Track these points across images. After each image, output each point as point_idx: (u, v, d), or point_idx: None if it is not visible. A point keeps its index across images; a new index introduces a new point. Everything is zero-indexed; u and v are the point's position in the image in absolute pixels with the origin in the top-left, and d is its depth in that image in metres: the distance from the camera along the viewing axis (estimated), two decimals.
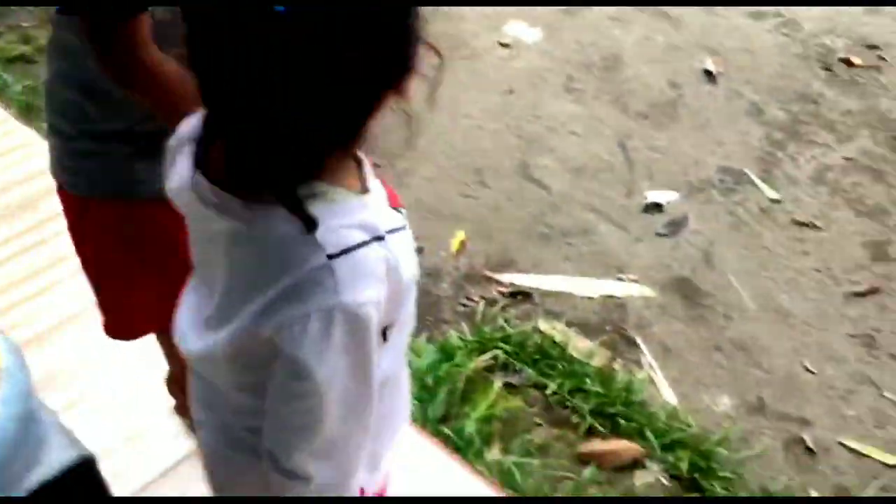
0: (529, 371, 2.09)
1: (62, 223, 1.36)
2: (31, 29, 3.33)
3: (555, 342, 2.15)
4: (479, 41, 3.39)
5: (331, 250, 0.79)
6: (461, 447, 1.84)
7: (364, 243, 0.81)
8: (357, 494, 0.95)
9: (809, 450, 1.99)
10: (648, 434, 1.94)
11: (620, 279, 2.40)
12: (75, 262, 1.40)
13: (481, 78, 3.19)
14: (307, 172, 0.80)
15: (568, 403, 2.02)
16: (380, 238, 0.82)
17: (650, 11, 3.55)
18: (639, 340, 2.21)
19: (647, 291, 2.36)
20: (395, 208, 0.93)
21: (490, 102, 3.06)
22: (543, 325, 2.24)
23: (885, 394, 2.10)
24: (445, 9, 3.58)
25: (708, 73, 3.18)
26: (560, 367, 2.08)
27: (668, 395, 2.09)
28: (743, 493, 1.85)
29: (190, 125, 0.90)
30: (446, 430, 1.87)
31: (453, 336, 2.16)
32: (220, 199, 0.82)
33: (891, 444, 2.00)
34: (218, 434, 1.02)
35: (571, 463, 1.90)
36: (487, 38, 3.42)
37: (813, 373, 2.16)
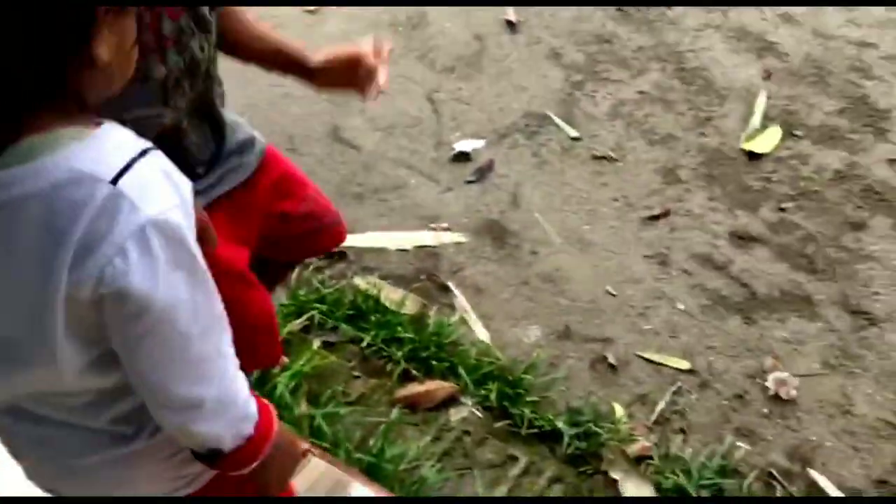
0: (345, 327, 2.14)
1: None
2: None
3: (368, 296, 2.20)
4: (284, 10, 3.36)
5: (109, 176, 0.76)
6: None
7: (133, 160, 0.79)
8: (250, 402, 0.95)
9: (612, 366, 2.12)
10: (461, 371, 2.02)
11: (433, 229, 2.47)
12: None
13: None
14: (17, 121, 0.78)
15: (384, 353, 2.08)
16: (144, 152, 0.80)
17: None
18: (451, 285, 2.29)
19: (459, 237, 2.44)
20: None
21: None
22: (358, 281, 2.28)
23: (678, 306, 2.26)
24: None
25: (510, 23, 3.28)
26: (374, 319, 2.13)
27: (481, 334, 2.18)
28: (550, 414, 1.95)
29: None
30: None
31: None
32: None
33: (685, 352, 2.16)
34: (80, 459, 0.97)
35: (388, 409, 1.96)
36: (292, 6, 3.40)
37: (614, 295, 2.29)
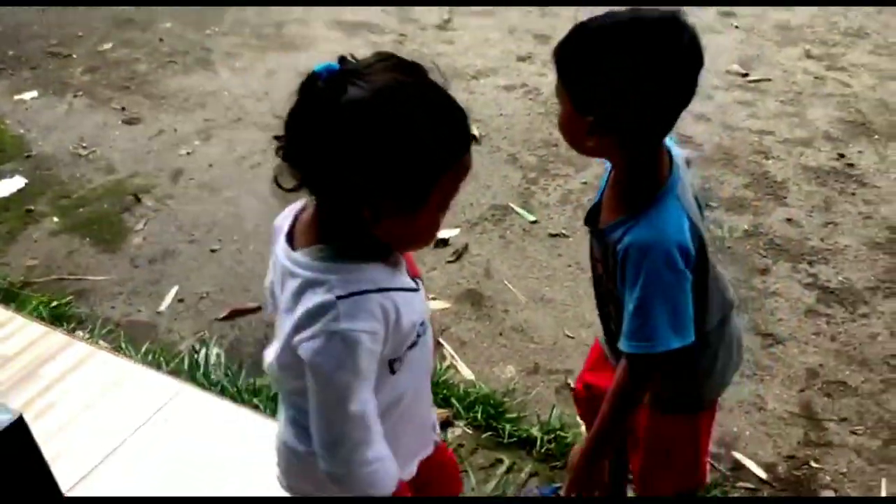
0: None
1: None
2: None
3: None
4: None
5: (339, 293, 1.09)
6: None
7: (367, 291, 1.11)
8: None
9: (572, 388, 2.64)
10: (453, 401, 2.54)
11: None
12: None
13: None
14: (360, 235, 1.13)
15: None
16: (383, 290, 1.13)
17: None
18: (441, 340, 2.83)
19: (444, 304, 3.00)
20: (413, 278, 1.25)
21: None
22: None
23: None
24: (254, 118, 4.22)
25: (474, 137, 3.94)
26: None
27: (467, 374, 2.70)
28: (526, 426, 2.46)
29: (273, 228, 1.27)
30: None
31: None
32: (285, 248, 1.18)
33: None
34: (287, 427, 1.35)
35: None
36: None
37: (571, 337, 2.84)
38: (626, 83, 1.26)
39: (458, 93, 4.29)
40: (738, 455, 2.39)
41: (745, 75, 4.37)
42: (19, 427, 1.53)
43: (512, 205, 3.49)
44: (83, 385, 2.42)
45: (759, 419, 2.50)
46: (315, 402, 1.16)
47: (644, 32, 1.26)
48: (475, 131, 3.93)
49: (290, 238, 1.20)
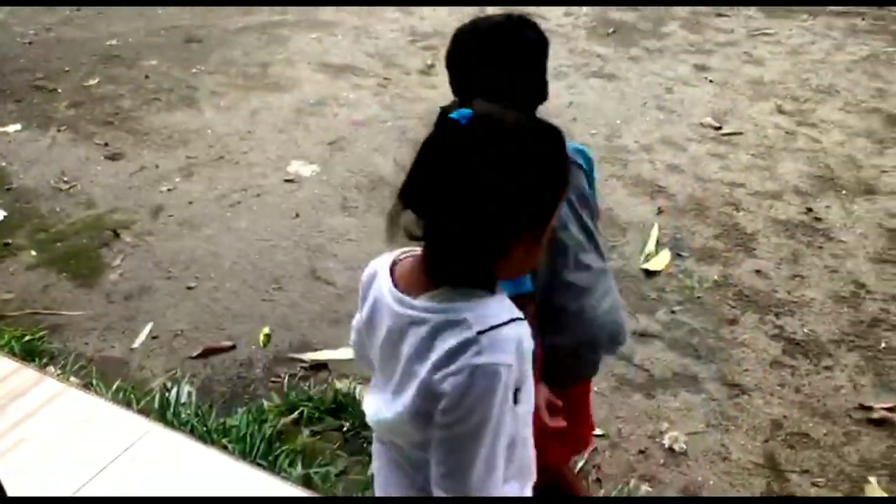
0: (329, 419, 2.68)
1: None
2: None
3: (346, 393, 2.75)
4: (268, 180, 4.08)
5: (479, 329, 1.12)
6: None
7: (503, 323, 1.14)
8: None
9: None
10: None
11: None
12: None
13: (272, 208, 3.86)
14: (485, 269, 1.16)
15: (361, 435, 2.61)
16: (515, 320, 1.16)
17: (400, 139, 4.40)
18: None
19: None
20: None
21: (280, 226, 3.72)
22: (338, 384, 2.84)
23: (595, 389, 2.83)
24: (236, 157, 4.27)
25: None
26: (351, 410, 2.68)
27: None
28: None
29: (371, 268, 1.29)
30: (263, 462, 2.42)
31: (265, 403, 2.72)
32: (405, 300, 1.19)
33: (600, 423, 2.70)
34: (401, 490, 1.34)
35: (366, 479, 2.48)
36: (274, 176, 4.12)
37: None
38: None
39: None
40: None
41: (718, 128, 4.48)
42: None
43: None
44: (53, 421, 2.42)
45: (723, 469, 2.54)
46: (451, 440, 1.16)
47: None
48: None
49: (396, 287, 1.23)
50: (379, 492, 1.42)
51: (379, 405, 1.28)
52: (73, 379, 2.79)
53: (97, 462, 2.28)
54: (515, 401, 1.18)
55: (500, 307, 1.17)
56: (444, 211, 1.12)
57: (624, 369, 2.92)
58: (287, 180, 4.09)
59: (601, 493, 2.45)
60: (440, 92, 4.99)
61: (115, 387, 2.74)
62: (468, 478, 1.16)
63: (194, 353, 2.98)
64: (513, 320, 1.15)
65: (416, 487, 1.30)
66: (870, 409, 2.72)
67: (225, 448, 2.45)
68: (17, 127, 4.63)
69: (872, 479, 2.47)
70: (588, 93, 4.93)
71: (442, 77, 5.16)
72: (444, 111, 1.12)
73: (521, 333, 1.16)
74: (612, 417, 2.73)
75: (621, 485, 2.48)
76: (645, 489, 2.48)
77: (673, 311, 3.18)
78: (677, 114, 4.67)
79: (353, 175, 4.12)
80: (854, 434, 2.64)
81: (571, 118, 4.62)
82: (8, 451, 2.28)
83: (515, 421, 1.20)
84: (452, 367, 1.12)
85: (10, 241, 3.64)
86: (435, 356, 1.13)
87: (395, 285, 1.22)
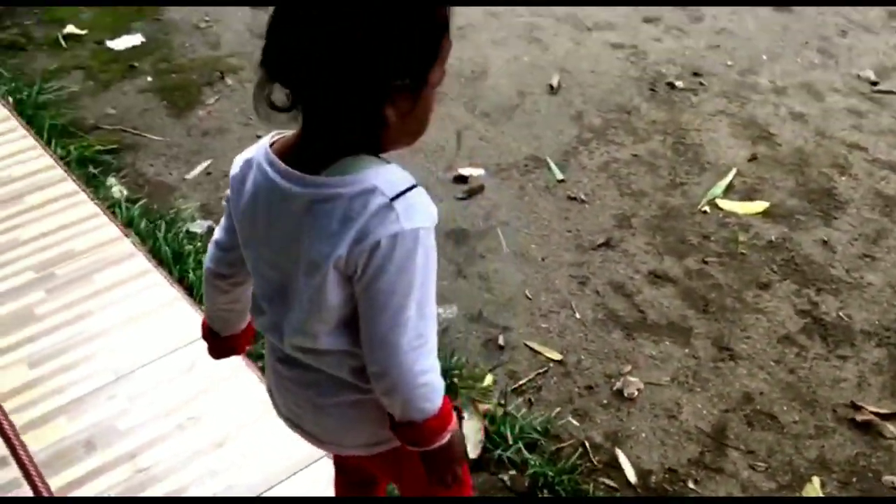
0: None
1: None
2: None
3: None
4: None
5: (390, 194, 1.08)
6: None
7: (408, 188, 1.10)
8: (431, 390, 1.19)
9: (500, 347, 2.62)
10: None
11: None
12: None
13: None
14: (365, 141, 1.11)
15: None
16: (414, 186, 1.11)
17: (526, 38, 4.26)
18: None
19: None
20: None
21: None
22: None
23: (576, 315, 2.73)
24: None
25: (551, 87, 3.87)
26: None
27: None
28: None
29: (240, 160, 1.22)
30: None
31: None
32: (302, 178, 1.11)
33: (563, 349, 2.61)
34: (326, 398, 1.29)
35: None
36: None
37: (529, 298, 2.79)
38: None
39: (564, 42, 4.24)
40: (619, 451, 2.30)
41: (875, 84, 3.91)
42: None
43: (548, 159, 3.42)
44: (128, 299, 2.61)
45: (662, 425, 2.37)
46: (382, 306, 1.12)
47: None
48: (554, 81, 3.86)
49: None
50: (297, 419, 1.39)
51: (277, 310, 1.24)
52: (115, 190, 3.12)
53: (160, 348, 2.44)
54: None
55: (401, 174, 1.13)
56: (306, 76, 1.05)
57: (619, 305, 2.76)
58: None
59: (530, 417, 2.36)
60: None
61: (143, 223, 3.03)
62: (404, 333, 1.13)
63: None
64: (415, 186, 1.12)
65: (344, 386, 1.27)
66: (860, 409, 2.39)
67: None
68: None
69: (816, 479, 2.21)
70: (749, 21, 4.46)
71: None
72: None
73: (426, 199, 1.13)
74: (578, 347, 2.62)
75: (549, 413, 2.40)
76: (571, 422, 2.38)
77: (705, 261, 2.92)
78: (836, 60, 4.11)
79: (459, 63, 4.07)
80: (827, 430, 2.35)
81: (713, 45, 4.22)
82: (80, 318, 2.53)
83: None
84: (370, 239, 1.08)
85: (136, 63, 4.02)
86: (354, 229, 1.08)
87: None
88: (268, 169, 1.15)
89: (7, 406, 2.22)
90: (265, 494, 2.02)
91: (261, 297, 1.28)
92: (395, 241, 1.08)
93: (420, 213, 1.10)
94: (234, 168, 1.22)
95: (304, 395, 1.32)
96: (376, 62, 1.03)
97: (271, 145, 1.17)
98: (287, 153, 1.15)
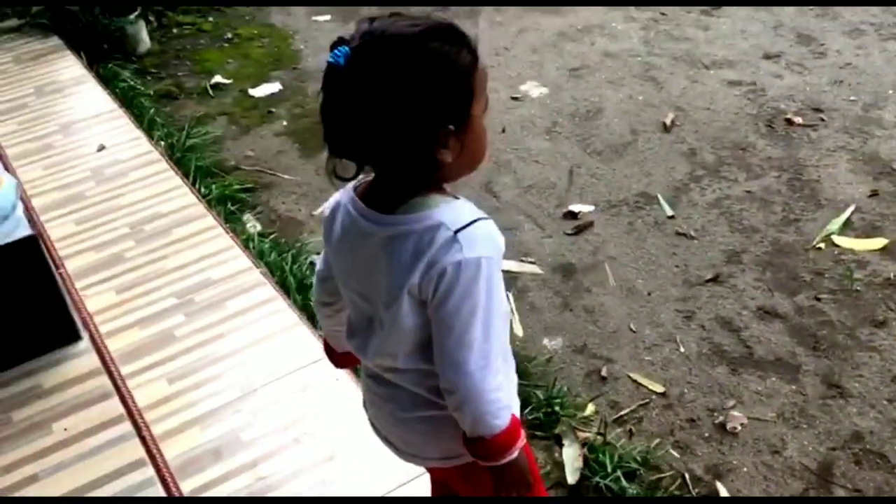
0: None
1: None
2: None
3: None
4: (496, 95, 4.31)
5: (455, 229, 1.21)
6: None
7: (474, 221, 1.23)
8: (501, 407, 1.30)
9: (603, 378, 2.68)
10: None
11: (522, 261, 3.20)
12: None
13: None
14: (420, 186, 1.24)
15: None
16: (479, 219, 1.24)
17: (642, 77, 4.33)
18: (509, 294, 2.99)
19: (537, 269, 3.14)
20: None
21: None
22: None
23: (681, 349, 2.75)
24: None
25: (665, 125, 3.91)
26: None
27: (517, 330, 2.85)
28: (540, 393, 2.56)
29: (331, 202, 1.36)
30: None
31: None
32: (379, 217, 1.25)
33: (667, 381, 2.64)
34: (406, 413, 1.42)
35: None
36: (504, 92, 4.34)
37: (634, 331, 2.84)
38: None
39: (679, 80, 4.34)
40: (719, 485, 2.31)
41: None
42: (33, 241, 2.10)
43: (659, 196, 3.46)
44: (255, 323, 2.83)
45: (766, 460, 2.36)
46: (450, 327, 1.24)
47: None
48: (668, 119, 3.90)
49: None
50: (384, 430, 1.53)
51: (364, 334, 1.39)
52: (250, 226, 3.40)
53: (274, 372, 2.63)
54: None
55: (466, 208, 1.27)
56: (362, 149, 1.20)
57: (725, 340, 2.76)
58: (514, 97, 4.28)
59: (630, 447, 2.42)
60: (708, 35, 4.76)
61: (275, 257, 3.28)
62: (470, 352, 1.25)
63: None
64: (480, 219, 1.25)
65: (421, 402, 1.40)
66: None
67: None
68: (328, 17, 5.36)
69: None
70: (875, 56, 4.35)
71: (722, 19, 4.88)
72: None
73: (491, 229, 1.25)
74: (681, 381, 2.64)
75: (649, 444, 2.44)
76: (672, 453, 2.41)
77: (818, 298, 2.88)
78: None
79: (575, 103, 4.19)
80: None
81: (837, 81, 4.15)
82: (210, 341, 2.76)
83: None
84: (438, 267, 1.21)
85: (273, 109, 4.35)
86: (424, 260, 1.22)
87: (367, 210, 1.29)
88: (351, 209, 1.30)
89: (148, 416, 2.47)
90: None
91: (352, 321, 1.44)
92: (459, 268, 1.20)
93: (482, 243, 1.22)
94: (326, 209, 1.38)
95: (387, 408, 1.46)
96: (416, 125, 1.16)
97: (356, 188, 1.32)
98: (367, 195, 1.29)
